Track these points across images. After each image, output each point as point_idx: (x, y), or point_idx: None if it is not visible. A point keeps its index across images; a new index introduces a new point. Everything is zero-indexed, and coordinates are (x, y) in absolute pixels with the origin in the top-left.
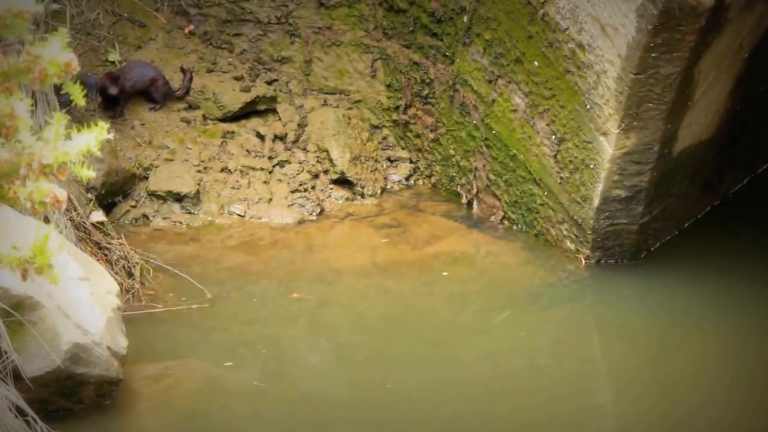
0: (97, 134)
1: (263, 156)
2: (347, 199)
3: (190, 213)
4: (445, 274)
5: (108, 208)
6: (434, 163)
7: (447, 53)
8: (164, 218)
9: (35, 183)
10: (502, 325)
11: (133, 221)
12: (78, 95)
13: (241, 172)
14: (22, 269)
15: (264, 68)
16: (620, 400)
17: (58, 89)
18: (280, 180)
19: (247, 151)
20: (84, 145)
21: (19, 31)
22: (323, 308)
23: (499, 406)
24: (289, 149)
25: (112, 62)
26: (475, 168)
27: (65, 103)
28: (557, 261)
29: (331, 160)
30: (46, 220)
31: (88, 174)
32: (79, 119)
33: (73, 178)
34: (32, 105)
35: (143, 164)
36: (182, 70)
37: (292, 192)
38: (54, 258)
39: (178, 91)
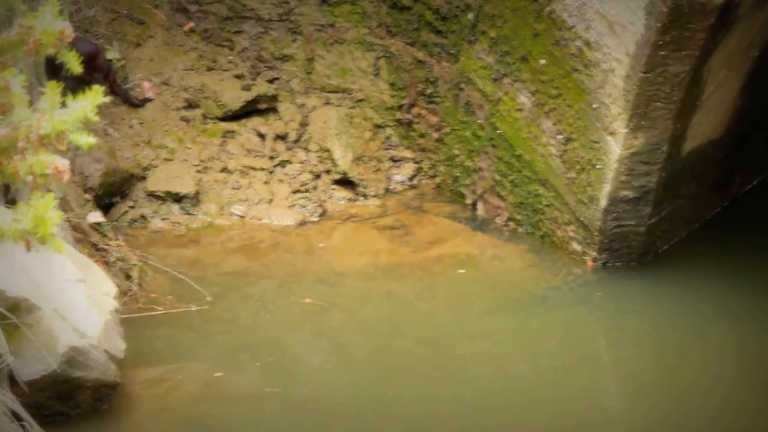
0: (92, 99)
1: (264, 156)
2: (349, 199)
3: (189, 214)
4: (449, 276)
5: (106, 208)
6: (438, 163)
7: (452, 51)
8: (163, 219)
9: (35, 156)
10: (507, 328)
11: (132, 222)
12: (74, 63)
13: (242, 172)
14: (25, 241)
15: (265, 66)
16: (628, 406)
17: (50, 63)
18: (281, 180)
19: (248, 150)
20: (80, 111)
21: (9, 3)
22: (325, 311)
23: (503, 411)
24: (291, 149)
25: (110, 60)
26: (480, 168)
27: (54, 72)
28: (563, 263)
29: (333, 160)
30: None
31: (89, 141)
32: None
33: (71, 180)
34: (26, 79)
35: (142, 164)
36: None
37: (294, 192)
38: (56, 226)
39: (140, 100)
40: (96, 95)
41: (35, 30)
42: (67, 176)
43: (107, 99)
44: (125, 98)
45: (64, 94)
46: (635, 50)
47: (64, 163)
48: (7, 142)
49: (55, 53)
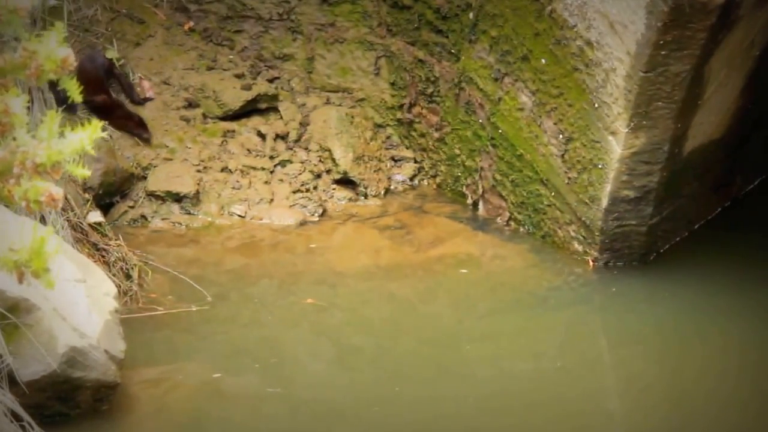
0: (90, 133)
1: (264, 155)
2: (350, 199)
3: (189, 214)
4: (449, 277)
5: (105, 208)
6: (439, 163)
7: (452, 50)
8: (163, 219)
9: (30, 182)
10: (508, 329)
11: (132, 222)
12: (75, 91)
13: (242, 171)
14: (19, 272)
15: (265, 66)
16: (630, 407)
17: (54, 85)
18: (281, 180)
19: (248, 150)
20: (78, 144)
21: (14, 27)
22: (325, 312)
23: (505, 412)
24: (291, 148)
25: (110, 59)
26: (481, 168)
27: (62, 100)
28: (564, 263)
29: (333, 160)
30: (43, 221)
31: (84, 173)
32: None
33: (70, 178)
34: (28, 102)
35: (142, 164)
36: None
37: (294, 192)
38: (51, 262)
39: (141, 99)
40: (95, 129)
41: (38, 55)
42: (60, 204)
43: (105, 134)
44: (129, 94)
45: (63, 123)
46: (636, 50)
47: (58, 192)
48: (4, 165)
49: (56, 80)
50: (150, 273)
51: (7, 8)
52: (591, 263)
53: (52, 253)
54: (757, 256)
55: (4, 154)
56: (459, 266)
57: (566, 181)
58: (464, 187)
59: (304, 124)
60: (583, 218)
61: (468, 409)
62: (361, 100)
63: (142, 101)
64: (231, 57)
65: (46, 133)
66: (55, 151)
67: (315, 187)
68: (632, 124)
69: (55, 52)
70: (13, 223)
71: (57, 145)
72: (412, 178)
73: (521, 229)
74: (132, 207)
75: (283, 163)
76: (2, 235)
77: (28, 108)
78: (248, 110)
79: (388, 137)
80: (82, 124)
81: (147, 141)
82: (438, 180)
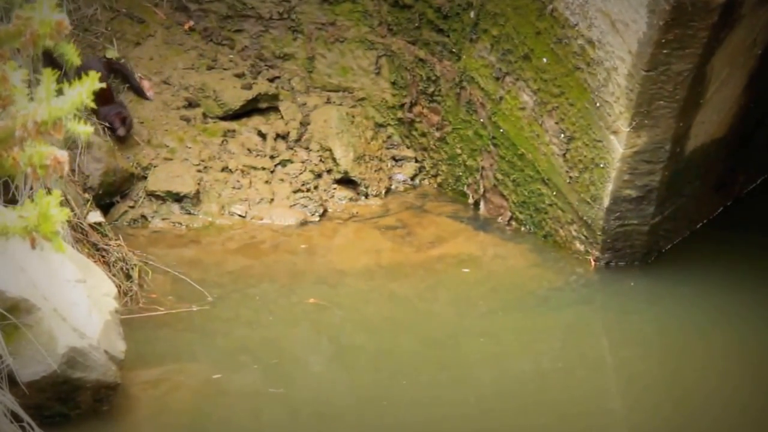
0: (89, 85)
1: (265, 155)
2: (351, 199)
3: (189, 214)
4: (451, 276)
5: (105, 208)
6: (440, 163)
7: (453, 50)
8: (163, 219)
9: (34, 147)
10: (510, 329)
11: (132, 222)
12: (73, 55)
13: (242, 171)
14: (30, 237)
15: (266, 65)
16: (631, 408)
17: (48, 56)
18: (282, 180)
19: (249, 150)
20: (77, 98)
21: None
22: (326, 311)
23: (506, 414)
24: (292, 148)
25: (110, 59)
26: (482, 167)
27: (59, 67)
28: (566, 263)
29: (334, 160)
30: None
31: (85, 129)
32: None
33: (70, 179)
34: (27, 73)
35: (142, 164)
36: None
37: (295, 192)
38: (59, 225)
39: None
40: (92, 81)
41: (33, 21)
42: (66, 168)
43: (103, 84)
44: (137, 90)
45: (60, 82)
46: (638, 48)
47: (63, 155)
48: (5, 132)
49: (52, 45)
50: (150, 273)
51: None
52: (592, 263)
53: (60, 215)
54: (759, 256)
55: (5, 122)
56: (460, 266)
57: (568, 181)
58: (465, 187)
59: (304, 124)
60: (585, 218)
61: (469, 409)
62: (362, 99)
63: (146, 96)
64: (231, 56)
65: (44, 93)
66: (55, 107)
67: (316, 187)
68: (634, 123)
69: (50, 16)
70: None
71: (56, 103)
72: (413, 178)
73: (522, 229)
74: (132, 207)
75: (283, 163)
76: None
77: (29, 81)
78: (248, 110)
79: (389, 137)
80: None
81: (120, 138)
82: (439, 179)
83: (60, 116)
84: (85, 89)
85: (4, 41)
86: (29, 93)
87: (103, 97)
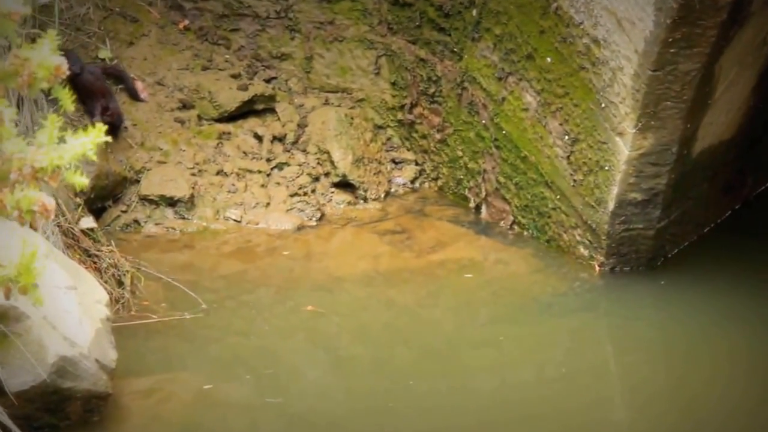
0: (93, 137)
1: (261, 158)
2: (349, 203)
3: (183, 218)
4: (451, 282)
5: (97, 213)
6: (441, 165)
7: (455, 49)
8: (156, 224)
9: (23, 191)
10: (512, 336)
11: (124, 227)
12: (67, 100)
13: (238, 175)
14: (6, 288)
15: (262, 65)
16: (636, 416)
17: (47, 94)
18: (278, 183)
19: (244, 153)
20: (80, 149)
21: (6, 33)
22: (323, 319)
23: (507, 421)
24: (288, 151)
25: (103, 59)
26: (484, 170)
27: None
28: (570, 269)
29: (332, 163)
30: (32, 226)
31: (82, 181)
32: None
33: (62, 183)
34: (17, 112)
35: (135, 167)
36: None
37: (291, 196)
38: (39, 278)
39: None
40: (98, 133)
41: (31, 63)
42: (53, 215)
43: (109, 138)
44: (131, 91)
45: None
46: (644, 47)
47: (51, 202)
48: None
49: (48, 88)
50: (143, 279)
51: (0, 13)
52: (597, 268)
53: (41, 269)
54: None
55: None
56: (461, 271)
57: (572, 184)
58: (467, 190)
59: (302, 126)
60: (589, 222)
61: (469, 419)
62: (361, 100)
63: (141, 98)
64: (227, 56)
65: (46, 138)
66: (57, 156)
67: (313, 191)
68: (640, 124)
69: (48, 59)
70: (2, 229)
71: (57, 150)
72: (413, 181)
73: (525, 233)
74: (125, 211)
75: (280, 166)
76: None
77: (18, 117)
78: (244, 111)
79: (389, 139)
80: (84, 129)
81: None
82: (440, 183)
83: (60, 165)
84: (90, 140)
85: (0, 80)
86: (26, 136)
87: (95, 94)
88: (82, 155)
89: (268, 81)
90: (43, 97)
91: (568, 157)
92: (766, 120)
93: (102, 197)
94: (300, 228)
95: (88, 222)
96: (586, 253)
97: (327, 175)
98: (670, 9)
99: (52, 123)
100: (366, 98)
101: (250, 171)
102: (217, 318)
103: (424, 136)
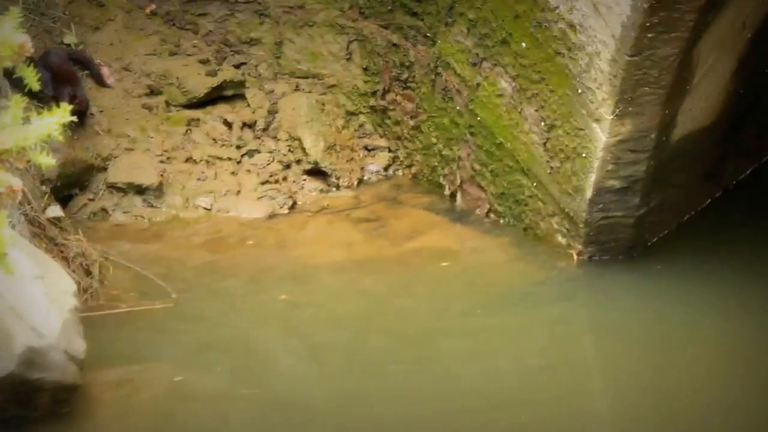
0: (59, 118)
1: (231, 145)
2: (321, 190)
3: (152, 206)
4: (427, 271)
5: (64, 201)
6: (415, 152)
7: (428, 34)
8: (125, 212)
9: None
10: (488, 326)
11: (92, 215)
12: (32, 79)
13: (207, 162)
14: None
15: (231, 51)
16: (614, 406)
17: (10, 73)
18: (248, 171)
19: (214, 139)
20: (45, 129)
21: None
22: (296, 308)
23: (484, 412)
24: (259, 138)
25: (68, 45)
26: (459, 157)
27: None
28: (547, 257)
29: (303, 149)
30: None
31: (48, 161)
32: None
33: (26, 169)
34: None
35: (102, 154)
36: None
37: (262, 184)
38: (9, 247)
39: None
40: (63, 113)
41: None
42: (19, 197)
43: (74, 118)
44: (97, 77)
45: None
46: (621, 32)
47: (17, 183)
48: None
49: (12, 66)
50: (111, 269)
51: None
52: (575, 257)
53: (9, 238)
54: (749, 249)
55: None
56: (436, 260)
57: (548, 171)
58: (441, 178)
59: (272, 112)
60: (567, 210)
61: (446, 408)
62: (333, 86)
63: (110, 84)
64: (195, 42)
65: (11, 119)
66: (22, 137)
67: (284, 178)
68: (618, 110)
69: (11, 37)
70: None
71: (23, 132)
72: (386, 168)
73: (501, 221)
74: (92, 200)
75: (250, 153)
76: None
77: None
78: (213, 97)
79: (361, 125)
80: (49, 109)
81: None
82: (414, 170)
83: (25, 146)
84: (55, 120)
85: None
86: None
87: (63, 80)
88: (48, 136)
89: (237, 66)
90: (7, 83)
91: (545, 143)
92: (746, 106)
93: (68, 185)
94: (272, 216)
95: (54, 210)
96: (563, 241)
97: (298, 162)
98: None
99: (16, 104)
100: (337, 84)
101: (220, 158)
102: (188, 307)
103: (397, 123)
